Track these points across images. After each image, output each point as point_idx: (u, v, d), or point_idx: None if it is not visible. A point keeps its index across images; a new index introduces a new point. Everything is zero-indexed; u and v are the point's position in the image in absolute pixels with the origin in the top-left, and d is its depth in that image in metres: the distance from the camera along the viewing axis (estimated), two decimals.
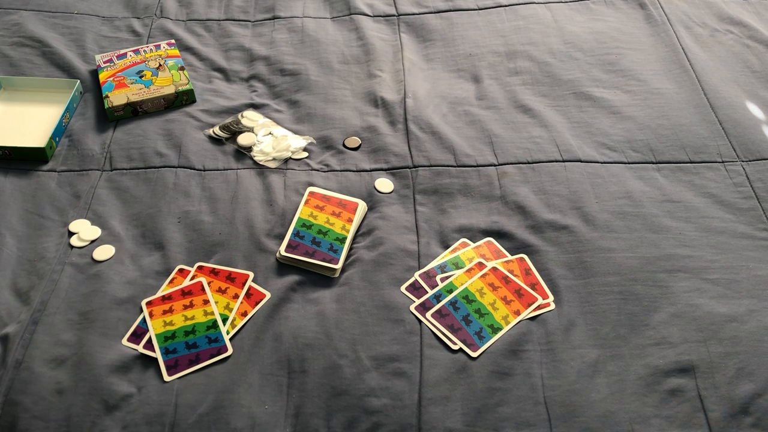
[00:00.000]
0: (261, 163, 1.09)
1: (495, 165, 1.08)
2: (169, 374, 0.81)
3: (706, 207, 1.01)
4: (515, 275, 0.92)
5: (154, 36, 1.36)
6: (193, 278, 0.92)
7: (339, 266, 0.92)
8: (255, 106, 1.20)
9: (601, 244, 0.95)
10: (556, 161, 1.08)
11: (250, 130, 1.14)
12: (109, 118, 1.17)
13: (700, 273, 0.91)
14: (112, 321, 0.86)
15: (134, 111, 1.17)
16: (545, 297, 0.90)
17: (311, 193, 1.03)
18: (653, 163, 1.09)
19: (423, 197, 1.03)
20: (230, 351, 0.84)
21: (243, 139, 1.11)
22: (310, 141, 1.12)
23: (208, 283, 0.91)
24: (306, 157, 1.11)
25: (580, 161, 1.08)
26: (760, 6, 1.43)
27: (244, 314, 0.88)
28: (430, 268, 0.93)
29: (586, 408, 0.78)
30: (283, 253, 0.93)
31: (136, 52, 1.28)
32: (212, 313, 0.88)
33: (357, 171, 1.08)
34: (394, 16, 1.41)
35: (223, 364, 0.83)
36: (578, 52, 1.30)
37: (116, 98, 1.17)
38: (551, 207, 1.01)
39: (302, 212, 1.00)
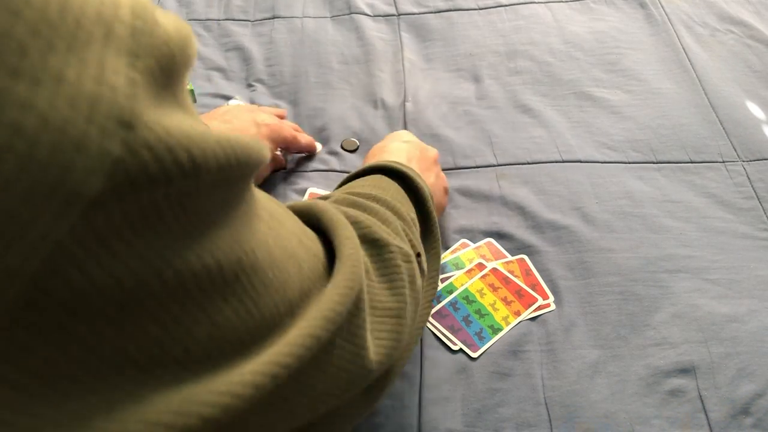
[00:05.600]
0: None
1: (495, 165, 1.08)
2: None
3: (707, 207, 1.01)
4: (515, 276, 0.92)
5: None
6: None
7: None
8: None
9: (601, 244, 0.95)
10: (556, 161, 1.08)
11: None
12: None
13: (701, 273, 0.91)
14: None
15: None
16: (545, 297, 0.89)
17: (312, 194, 1.02)
18: (654, 163, 1.08)
19: None
20: None
21: None
22: (318, 150, 1.11)
23: None
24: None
25: (581, 161, 1.08)
26: (760, 6, 1.43)
27: None
28: None
29: (586, 408, 0.78)
30: None
31: None
32: None
33: None
34: (394, 15, 1.41)
35: None
36: (578, 51, 1.30)
37: None
38: (551, 207, 1.00)
39: None
